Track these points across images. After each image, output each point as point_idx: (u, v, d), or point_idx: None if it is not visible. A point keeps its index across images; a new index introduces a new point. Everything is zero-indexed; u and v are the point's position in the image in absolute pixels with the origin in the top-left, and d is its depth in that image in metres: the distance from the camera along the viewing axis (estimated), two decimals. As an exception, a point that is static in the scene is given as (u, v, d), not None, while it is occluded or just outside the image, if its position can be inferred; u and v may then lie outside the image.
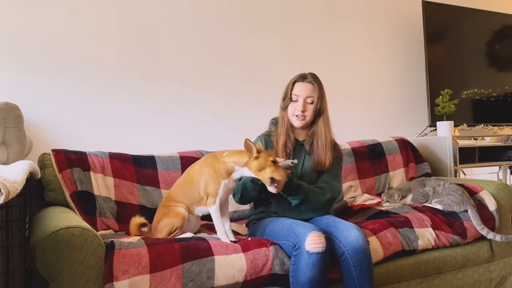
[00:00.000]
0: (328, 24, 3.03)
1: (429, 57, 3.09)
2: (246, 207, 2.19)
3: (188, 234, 1.71)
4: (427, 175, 2.66)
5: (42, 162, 1.88)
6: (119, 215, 1.94)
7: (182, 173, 1.98)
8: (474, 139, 2.98)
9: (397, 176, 2.61)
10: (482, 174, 2.93)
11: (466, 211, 2.06)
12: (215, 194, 1.66)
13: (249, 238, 1.67)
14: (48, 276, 1.29)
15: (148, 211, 1.94)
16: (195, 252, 1.50)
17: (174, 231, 1.68)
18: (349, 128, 2.97)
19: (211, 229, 1.76)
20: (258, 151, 1.60)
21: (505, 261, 2.16)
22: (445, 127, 2.90)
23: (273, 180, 1.59)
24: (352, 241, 1.56)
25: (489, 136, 3.06)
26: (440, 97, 2.99)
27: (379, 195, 2.45)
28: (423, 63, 3.14)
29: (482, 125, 3.20)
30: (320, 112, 1.82)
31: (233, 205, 2.15)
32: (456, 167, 2.77)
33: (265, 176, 1.58)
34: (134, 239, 1.55)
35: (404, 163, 2.67)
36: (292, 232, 1.58)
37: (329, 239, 1.58)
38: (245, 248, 1.56)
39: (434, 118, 3.05)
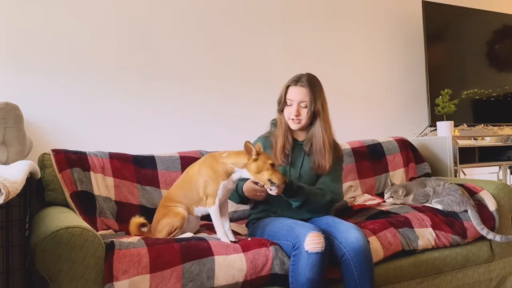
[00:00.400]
0: (328, 24, 3.03)
1: (429, 57, 3.09)
2: (246, 207, 2.18)
3: (188, 234, 1.71)
4: (427, 175, 2.66)
5: (42, 162, 1.88)
6: (119, 215, 1.94)
7: (182, 173, 1.98)
8: (474, 139, 2.98)
9: (397, 176, 2.61)
10: (482, 174, 2.93)
11: (466, 211, 2.06)
12: (214, 194, 1.66)
13: (249, 238, 1.67)
14: (48, 276, 1.29)
15: (148, 211, 1.94)
16: (195, 252, 1.50)
17: (174, 231, 1.68)
18: (349, 128, 2.97)
19: (211, 229, 1.76)
20: (258, 153, 1.60)
21: (505, 261, 2.16)
22: (445, 127, 2.90)
23: (271, 182, 1.59)
24: (353, 241, 1.56)
25: (489, 136, 3.06)
26: (440, 97, 2.99)
27: (379, 195, 2.45)
28: (423, 63, 3.14)
29: (482, 125, 3.20)
30: (315, 114, 1.80)
31: (233, 205, 2.15)
32: (456, 167, 2.77)
33: (263, 178, 1.59)
34: (134, 239, 1.55)
35: (404, 163, 2.67)
36: (292, 232, 1.58)
37: (329, 239, 1.58)
38: (245, 248, 1.56)
39: (434, 118, 3.05)
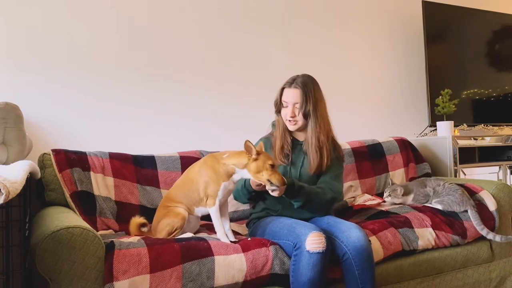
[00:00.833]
0: (328, 24, 3.03)
1: (429, 57, 3.09)
2: (246, 207, 2.19)
3: (188, 234, 1.71)
4: (427, 175, 2.66)
5: (42, 162, 1.88)
6: (119, 215, 1.94)
7: (182, 173, 1.98)
8: (474, 139, 2.98)
9: (397, 176, 2.61)
10: (482, 174, 2.93)
11: (466, 211, 2.06)
12: (215, 195, 1.66)
13: (249, 238, 1.67)
14: (48, 276, 1.29)
15: (148, 211, 1.94)
16: (195, 252, 1.50)
17: (174, 231, 1.68)
18: (349, 128, 2.97)
19: (211, 229, 1.76)
20: (258, 153, 1.59)
21: (505, 261, 2.16)
22: (445, 127, 2.90)
23: (271, 182, 1.59)
24: (354, 241, 1.56)
25: (489, 136, 3.06)
26: (440, 97, 2.99)
27: (379, 195, 2.45)
28: (423, 63, 3.14)
29: (482, 125, 3.20)
30: (306, 116, 1.79)
31: (233, 205, 2.15)
32: (456, 167, 2.77)
33: (262, 179, 1.59)
34: (134, 239, 1.55)
35: (404, 163, 2.67)
36: (293, 231, 1.58)
37: (330, 239, 1.58)
38: (245, 248, 1.56)
39: (434, 118, 3.05)
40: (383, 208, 2.15)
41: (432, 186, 2.19)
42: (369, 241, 1.62)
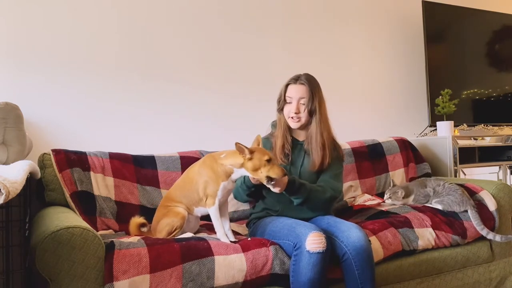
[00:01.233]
0: (328, 24, 3.03)
1: (429, 57, 3.09)
2: (246, 207, 2.19)
3: (188, 234, 1.71)
4: (427, 175, 2.66)
5: (42, 162, 1.88)
6: (119, 215, 1.94)
7: (182, 173, 1.98)
8: (474, 139, 2.98)
9: (397, 176, 2.61)
10: (482, 174, 2.93)
11: (466, 211, 2.06)
12: (214, 195, 1.66)
13: (249, 238, 1.67)
14: (48, 276, 1.29)
15: (148, 211, 1.94)
16: (195, 252, 1.50)
17: (174, 231, 1.68)
18: (349, 128, 2.97)
19: (211, 229, 1.76)
20: (251, 151, 1.59)
21: (505, 261, 2.16)
22: (445, 127, 2.90)
23: (270, 179, 1.58)
24: (354, 241, 1.56)
25: (489, 136, 3.06)
26: (440, 97, 2.99)
27: (379, 195, 2.45)
28: (423, 63, 3.14)
29: (482, 125, 3.20)
30: (312, 112, 1.81)
31: (233, 205, 2.15)
32: (456, 167, 2.77)
33: (261, 176, 1.59)
34: (134, 239, 1.55)
35: (404, 163, 2.67)
36: (293, 231, 1.58)
37: (330, 239, 1.58)
38: (245, 248, 1.56)
39: (434, 118, 3.05)
40: (383, 208, 2.15)
41: (432, 186, 2.19)
42: (369, 241, 1.62)
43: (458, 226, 2.01)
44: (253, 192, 1.82)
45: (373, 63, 3.20)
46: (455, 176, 2.76)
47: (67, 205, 1.82)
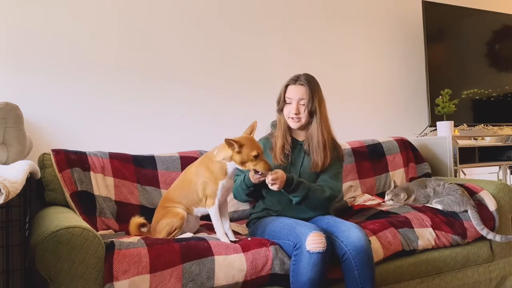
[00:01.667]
0: (328, 24, 3.03)
1: (429, 57, 3.09)
2: (246, 206, 2.19)
3: (188, 234, 1.71)
4: (427, 175, 2.66)
5: (42, 162, 1.88)
6: (119, 215, 1.94)
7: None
8: (474, 139, 2.98)
9: (397, 176, 2.61)
10: (482, 174, 2.93)
11: (466, 211, 2.06)
12: (214, 195, 1.66)
13: (249, 238, 1.67)
14: (48, 276, 1.29)
15: (148, 211, 1.94)
16: (195, 252, 1.50)
17: (174, 231, 1.68)
18: (349, 128, 2.97)
19: (211, 229, 1.76)
20: (241, 145, 1.59)
21: (505, 261, 2.16)
22: (445, 127, 2.90)
23: (257, 171, 1.62)
24: (354, 241, 1.56)
25: (489, 136, 3.06)
26: (440, 97, 2.99)
27: (379, 195, 2.45)
28: (423, 63, 3.14)
29: (482, 125, 3.20)
30: (312, 112, 1.81)
31: (233, 205, 2.15)
32: (456, 167, 2.77)
33: (250, 168, 1.62)
34: (134, 239, 1.55)
35: (404, 163, 2.67)
36: (293, 231, 1.58)
37: (330, 239, 1.58)
38: (245, 248, 1.56)
39: (434, 118, 3.05)
40: (383, 208, 2.15)
41: (433, 187, 2.19)
42: (369, 241, 1.62)
43: (458, 226, 2.01)
44: (252, 192, 1.82)
45: (373, 63, 3.20)
46: (455, 176, 2.76)
47: (67, 205, 1.82)
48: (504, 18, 3.48)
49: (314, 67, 2.88)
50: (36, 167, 1.73)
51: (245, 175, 1.78)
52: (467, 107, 3.29)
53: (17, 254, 1.31)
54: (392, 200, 2.20)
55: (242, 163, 1.61)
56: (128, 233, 1.80)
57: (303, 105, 1.81)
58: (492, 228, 2.08)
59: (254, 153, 1.59)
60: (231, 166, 1.65)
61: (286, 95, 1.84)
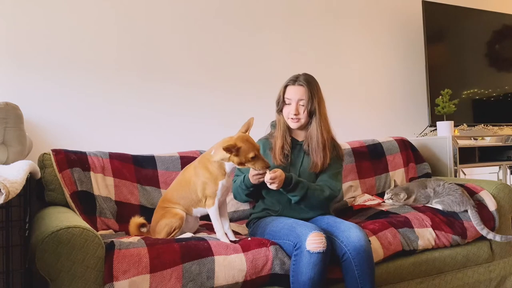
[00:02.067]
0: (328, 24, 3.03)
1: (429, 57, 3.09)
2: (246, 206, 2.19)
3: (188, 234, 1.71)
4: (427, 175, 2.66)
5: (42, 162, 1.88)
6: (119, 215, 1.94)
7: (182, 173, 1.98)
8: (474, 139, 2.98)
9: (397, 176, 2.61)
10: (482, 174, 2.93)
11: (466, 211, 2.06)
12: (214, 195, 1.66)
13: (249, 238, 1.67)
14: (48, 276, 1.29)
15: (148, 211, 1.94)
16: (195, 252, 1.50)
17: (173, 231, 1.68)
18: (349, 128, 2.97)
19: (211, 229, 1.76)
20: (238, 148, 1.58)
21: (505, 261, 2.16)
22: (445, 127, 2.90)
23: (257, 171, 1.63)
24: (354, 241, 1.56)
25: (489, 136, 3.06)
26: (440, 97, 2.99)
27: (379, 195, 2.45)
28: (423, 63, 3.14)
29: (482, 125, 3.20)
30: (311, 113, 1.81)
31: (233, 205, 2.15)
32: (456, 167, 2.77)
33: (247, 167, 1.63)
34: (134, 239, 1.56)
35: (404, 163, 2.67)
36: (293, 231, 1.58)
37: (330, 239, 1.58)
38: (245, 248, 1.56)
39: (434, 118, 3.05)
40: (383, 208, 2.15)
41: (433, 187, 2.19)
42: (369, 241, 1.62)
43: (458, 226, 2.01)
44: (252, 192, 1.82)
45: (373, 63, 3.20)
46: (455, 176, 2.76)
47: (67, 205, 1.82)
48: (504, 18, 3.48)
49: (315, 67, 2.88)
50: (36, 167, 1.73)
51: (245, 176, 1.78)
52: (467, 107, 3.29)
53: (17, 254, 1.31)
54: (392, 199, 2.20)
55: (240, 163, 1.61)
56: (128, 233, 1.80)
57: (303, 105, 1.81)
58: (492, 228, 2.08)
59: (251, 154, 1.59)
60: (229, 165, 1.65)
61: (285, 95, 1.84)
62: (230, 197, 2.00)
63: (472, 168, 2.89)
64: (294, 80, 1.84)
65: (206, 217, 1.78)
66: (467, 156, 2.88)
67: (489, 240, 2.09)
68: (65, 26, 2.26)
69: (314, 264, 1.47)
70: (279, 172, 1.65)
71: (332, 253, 1.56)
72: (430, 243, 1.92)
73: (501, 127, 3.30)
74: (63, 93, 2.24)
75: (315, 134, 1.81)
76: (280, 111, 1.87)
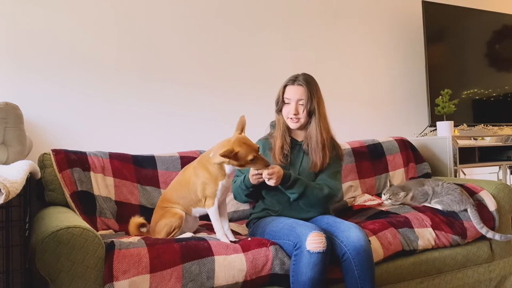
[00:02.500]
0: (328, 24, 3.03)
1: (429, 57, 3.09)
2: (246, 207, 2.19)
3: (188, 234, 1.71)
4: (427, 175, 2.66)
5: (42, 162, 1.88)
6: (119, 215, 1.94)
7: (182, 173, 1.98)
8: (474, 139, 2.98)
9: (397, 176, 2.61)
10: (482, 174, 2.93)
11: (466, 210, 2.06)
12: (214, 195, 1.66)
13: (249, 238, 1.67)
14: (48, 276, 1.29)
15: (148, 211, 1.94)
16: (195, 252, 1.50)
17: (173, 231, 1.68)
18: (349, 128, 2.97)
19: (211, 229, 1.76)
20: (235, 153, 1.56)
21: (505, 261, 2.16)
22: (445, 127, 2.90)
23: (257, 171, 1.65)
24: (354, 241, 1.56)
25: (489, 136, 3.06)
26: (440, 97, 2.99)
27: (379, 195, 2.45)
28: (423, 63, 3.14)
29: (482, 125, 3.20)
30: (311, 113, 1.81)
31: (233, 205, 2.15)
32: (456, 167, 2.77)
33: (248, 168, 1.64)
34: (134, 239, 1.56)
35: (404, 163, 2.67)
36: (293, 231, 1.58)
37: (330, 239, 1.58)
38: (245, 248, 1.56)
39: (434, 118, 3.05)
40: (383, 208, 2.15)
41: (431, 186, 2.19)
42: (369, 241, 1.62)
43: (458, 226, 2.01)
44: (252, 192, 1.82)
45: (373, 63, 3.20)
46: (455, 176, 2.77)
47: (67, 205, 1.82)
48: (504, 18, 3.48)
49: (315, 67, 2.88)
50: (36, 167, 1.73)
51: (245, 176, 1.78)
52: (467, 107, 3.29)
53: (17, 254, 1.31)
54: (390, 199, 2.20)
55: (241, 166, 1.61)
56: (128, 233, 1.80)
57: (302, 105, 1.81)
58: (492, 228, 2.08)
59: (250, 157, 1.58)
60: (229, 167, 1.65)
61: (285, 95, 1.84)
62: (230, 197, 2.00)
63: (472, 168, 2.89)
64: (294, 80, 1.84)
65: (206, 217, 1.78)
66: (467, 156, 2.88)
67: (489, 240, 2.09)
68: (65, 26, 2.26)
69: (314, 264, 1.47)
70: (277, 168, 1.65)
71: (332, 253, 1.56)
72: (430, 243, 1.92)
73: (501, 127, 3.30)
74: (63, 93, 2.24)
75: (314, 134, 1.81)
76: (279, 111, 1.88)
